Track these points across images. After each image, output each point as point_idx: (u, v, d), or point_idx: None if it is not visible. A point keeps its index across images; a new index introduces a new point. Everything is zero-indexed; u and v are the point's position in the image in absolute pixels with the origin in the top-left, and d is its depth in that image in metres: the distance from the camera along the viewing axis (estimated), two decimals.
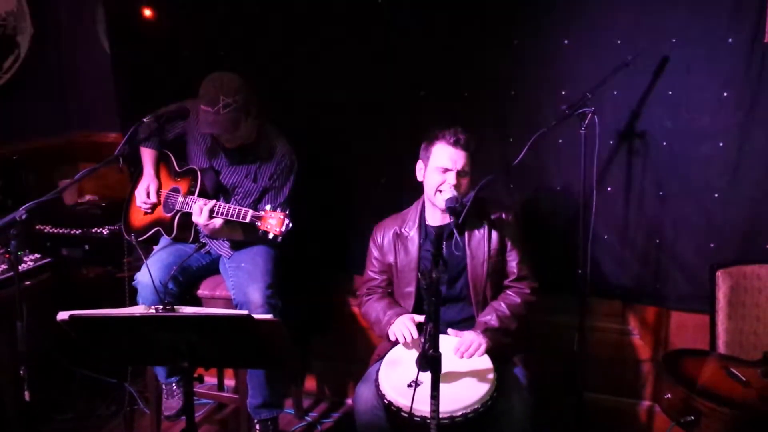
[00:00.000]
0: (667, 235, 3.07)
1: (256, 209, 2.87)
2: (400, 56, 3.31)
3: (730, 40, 2.79)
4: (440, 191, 2.72)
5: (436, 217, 2.86)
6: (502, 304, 2.76)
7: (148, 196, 3.28)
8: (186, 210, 3.11)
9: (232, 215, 2.92)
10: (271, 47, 3.51)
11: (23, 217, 2.47)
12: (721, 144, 2.89)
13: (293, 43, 3.47)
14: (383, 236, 2.94)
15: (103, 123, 4.17)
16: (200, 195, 3.10)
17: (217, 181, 3.18)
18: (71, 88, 4.30)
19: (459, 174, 2.71)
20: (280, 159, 3.14)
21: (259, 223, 2.80)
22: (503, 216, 2.84)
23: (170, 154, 3.33)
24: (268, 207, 2.81)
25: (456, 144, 2.71)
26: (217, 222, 2.96)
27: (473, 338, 2.62)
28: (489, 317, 2.72)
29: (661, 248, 3.09)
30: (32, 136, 4.11)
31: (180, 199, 3.16)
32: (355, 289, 3.67)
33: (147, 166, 3.33)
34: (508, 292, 2.82)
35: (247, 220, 2.85)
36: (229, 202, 3.05)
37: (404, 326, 2.69)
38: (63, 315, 2.13)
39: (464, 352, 2.58)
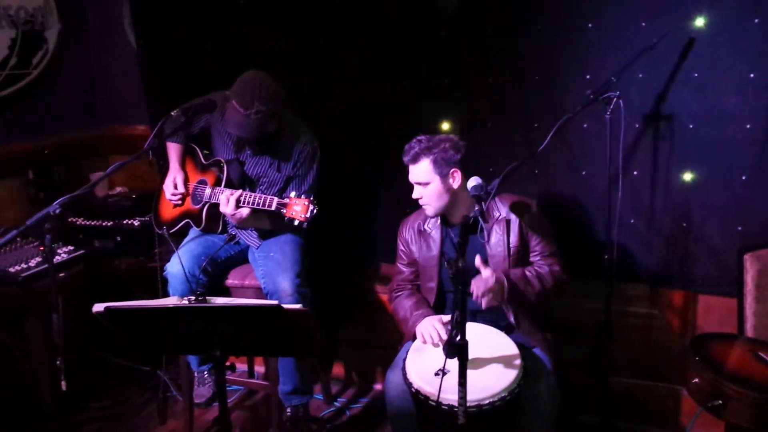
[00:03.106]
0: (693, 219, 3.04)
1: (281, 198, 2.91)
2: (424, 44, 3.31)
3: (756, 20, 2.75)
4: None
5: (455, 213, 2.83)
6: (529, 268, 2.73)
7: (175, 188, 3.32)
8: (213, 201, 3.16)
9: (258, 204, 2.95)
10: (295, 38, 3.53)
11: (57, 211, 2.51)
12: (748, 126, 2.85)
13: (318, 34, 3.49)
14: (408, 231, 2.96)
15: (132, 115, 4.24)
16: (226, 186, 3.14)
17: (242, 171, 3.21)
18: (99, 81, 4.37)
19: (418, 186, 2.75)
20: (302, 147, 3.17)
21: (284, 211, 2.84)
22: (523, 209, 2.78)
23: (196, 147, 3.38)
24: (292, 194, 2.85)
25: (408, 162, 2.74)
26: (244, 211, 3.00)
27: (488, 275, 2.54)
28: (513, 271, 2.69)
29: (688, 232, 3.06)
30: (62, 130, 4.18)
31: (207, 190, 3.21)
32: (382, 276, 3.71)
33: (173, 160, 3.38)
34: (535, 264, 2.77)
35: (273, 208, 2.89)
36: (254, 192, 3.09)
37: (432, 327, 2.66)
38: (98, 307, 2.17)
39: (478, 294, 2.51)
